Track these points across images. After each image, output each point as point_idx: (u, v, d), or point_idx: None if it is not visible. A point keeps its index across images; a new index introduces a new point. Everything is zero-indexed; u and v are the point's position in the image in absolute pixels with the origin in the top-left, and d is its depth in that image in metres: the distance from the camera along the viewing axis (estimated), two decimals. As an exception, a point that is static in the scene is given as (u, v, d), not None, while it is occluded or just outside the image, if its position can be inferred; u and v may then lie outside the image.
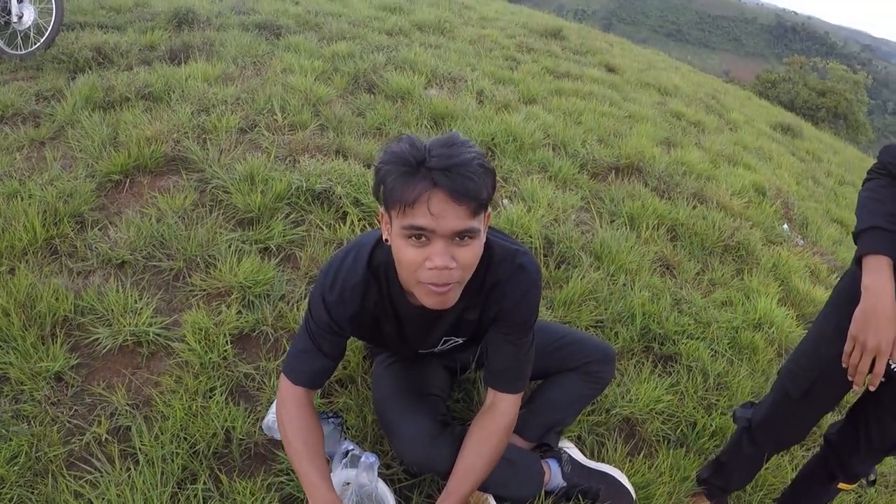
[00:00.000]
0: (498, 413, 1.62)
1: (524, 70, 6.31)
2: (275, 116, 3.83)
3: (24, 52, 4.47)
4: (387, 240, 1.39)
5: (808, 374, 1.70)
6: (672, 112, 6.61)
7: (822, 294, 3.62)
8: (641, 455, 2.16)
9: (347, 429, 1.96)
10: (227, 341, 2.16)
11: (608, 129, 5.01)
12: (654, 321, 2.70)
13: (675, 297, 2.97)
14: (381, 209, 1.38)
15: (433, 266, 1.28)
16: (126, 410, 1.93)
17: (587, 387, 1.92)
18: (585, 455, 2.04)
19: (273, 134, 3.61)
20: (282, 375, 1.61)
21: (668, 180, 4.27)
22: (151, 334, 2.16)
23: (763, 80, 34.34)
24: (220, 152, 3.26)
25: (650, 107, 6.48)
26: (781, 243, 4.20)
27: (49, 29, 4.52)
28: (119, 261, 2.49)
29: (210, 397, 1.97)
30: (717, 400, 2.46)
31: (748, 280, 3.42)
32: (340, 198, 2.99)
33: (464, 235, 1.28)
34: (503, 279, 1.53)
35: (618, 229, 3.41)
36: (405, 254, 1.31)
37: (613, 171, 4.20)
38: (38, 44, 4.51)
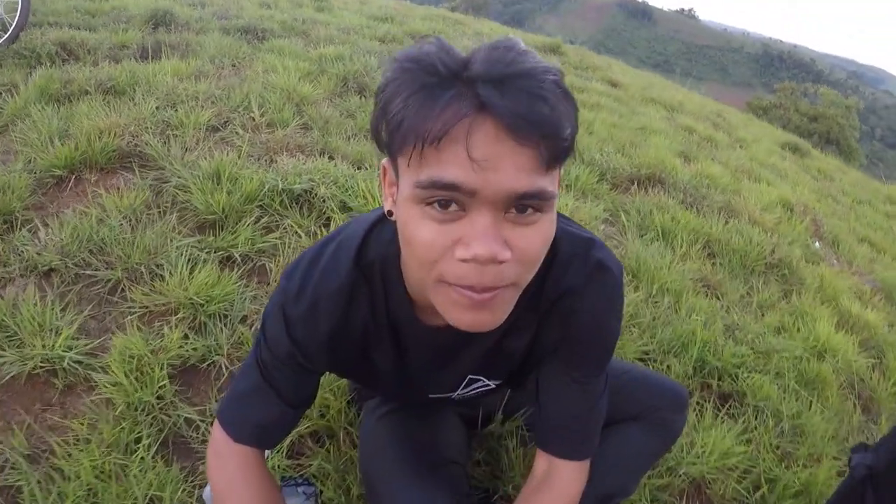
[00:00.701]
0: (556, 488, 1.08)
1: (527, 78, 5.89)
2: (251, 114, 3.35)
3: None
4: (390, 213, 0.85)
5: None
6: (683, 126, 6.24)
7: (875, 318, 3.17)
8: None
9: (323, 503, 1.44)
10: (164, 375, 1.63)
11: (622, 140, 4.59)
12: (709, 352, 2.20)
13: (724, 323, 2.48)
14: (384, 161, 0.84)
15: (471, 256, 0.73)
16: (20, 464, 1.41)
17: (654, 441, 1.37)
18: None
19: (249, 132, 3.13)
20: (215, 424, 1.08)
21: (693, 193, 3.82)
22: (67, 361, 1.64)
23: (754, 106, 34.18)
24: (185, 150, 2.77)
25: (660, 120, 6.10)
26: (818, 262, 3.76)
27: (13, 24, 4.08)
28: (46, 267, 1.98)
29: (133, 451, 1.44)
30: (795, 448, 1.97)
31: (798, 302, 2.95)
32: (324, 200, 2.50)
33: (527, 203, 0.74)
34: (574, 285, 0.98)
35: (650, 244, 2.93)
36: (421, 233, 0.76)
37: (635, 183, 3.74)
38: (2, 40, 4.05)
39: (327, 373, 1.17)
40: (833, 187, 7.36)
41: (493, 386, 1.18)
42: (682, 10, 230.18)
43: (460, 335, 0.87)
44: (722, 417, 1.99)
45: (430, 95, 0.71)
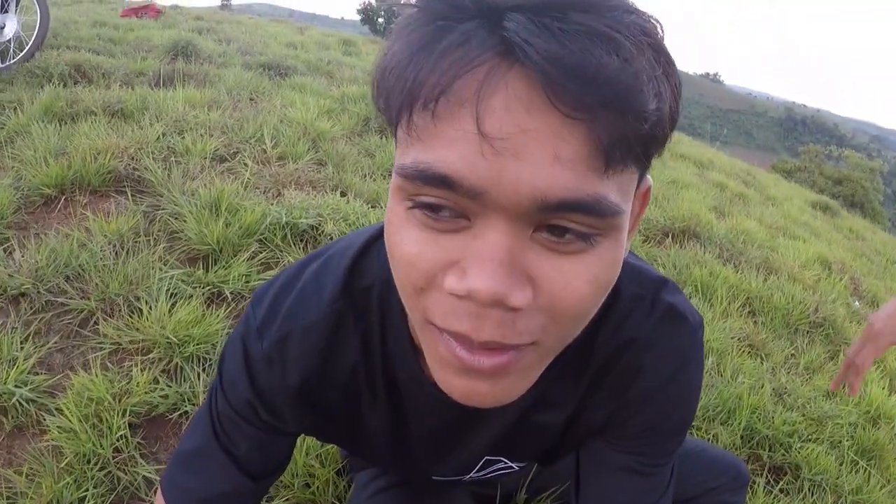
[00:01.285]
0: None
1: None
2: (263, 146, 3.17)
3: (0, 65, 3.93)
4: None
5: None
6: (714, 182, 6.06)
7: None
8: None
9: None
10: (125, 424, 1.39)
11: (654, 192, 4.39)
12: (758, 419, 1.94)
13: (772, 386, 2.22)
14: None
15: (465, 290, 0.45)
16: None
17: None
18: None
19: (258, 164, 2.95)
20: (158, 494, 0.82)
21: (730, 248, 3.60)
22: (17, 398, 1.41)
23: (779, 169, 34.05)
24: (186, 177, 2.59)
25: (690, 175, 5.92)
26: (861, 321, 3.49)
27: (30, 43, 4.04)
28: (16, 291, 1.78)
29: (73, 515, 1.21)
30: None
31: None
32: (331, 237, 2.29)
33: (568, 219, 0.45)
34: (636, 336, 0.70)
35: (688, 299, 2.68)
36: (403, 243, 0.49)
37: (669, 236, 3.53)
38: (17, 58, 3.99)
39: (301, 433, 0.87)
40: (866, 246, 7.12)
41: (517, 468, 0.91)
42: (708, 73, 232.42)
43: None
44: (776, 494, 1.73)
45: (434, 32, 0.44)
